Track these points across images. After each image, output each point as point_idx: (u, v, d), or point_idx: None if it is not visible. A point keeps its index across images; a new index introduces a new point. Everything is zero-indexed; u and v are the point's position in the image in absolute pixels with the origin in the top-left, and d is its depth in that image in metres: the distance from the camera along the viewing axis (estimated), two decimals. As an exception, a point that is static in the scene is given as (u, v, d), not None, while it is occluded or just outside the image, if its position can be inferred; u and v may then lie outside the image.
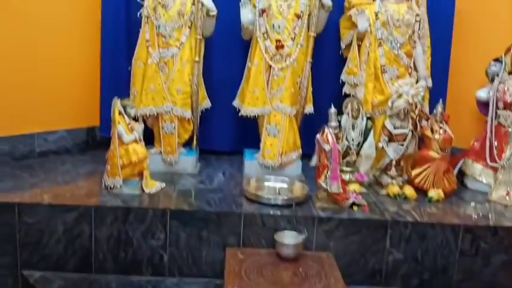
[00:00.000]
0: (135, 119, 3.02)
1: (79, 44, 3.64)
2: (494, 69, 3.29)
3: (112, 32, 3.66)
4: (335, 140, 2.83)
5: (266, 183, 3.15)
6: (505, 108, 3.20)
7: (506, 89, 3.18)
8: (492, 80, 3.29)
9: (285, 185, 3.14)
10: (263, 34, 3.31)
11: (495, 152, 3.23)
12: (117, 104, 2.86)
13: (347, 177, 3.17)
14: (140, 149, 2.91)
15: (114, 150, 2.86)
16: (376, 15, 3.34)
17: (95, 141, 3.82)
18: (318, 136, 2.88)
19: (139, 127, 2.96)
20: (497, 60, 3.30)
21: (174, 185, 3.11)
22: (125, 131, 2.86)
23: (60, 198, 2.80)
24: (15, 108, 3.36)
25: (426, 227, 2.74)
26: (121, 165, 2.86)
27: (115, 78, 3.63)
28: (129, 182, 2.92)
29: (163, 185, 3.05)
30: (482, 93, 3.33)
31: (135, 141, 2.90)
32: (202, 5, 3.22)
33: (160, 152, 3.38)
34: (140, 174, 2.95)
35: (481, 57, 3.47)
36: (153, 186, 2.98)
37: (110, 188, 2.90)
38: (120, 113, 2.87)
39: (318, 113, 3.44)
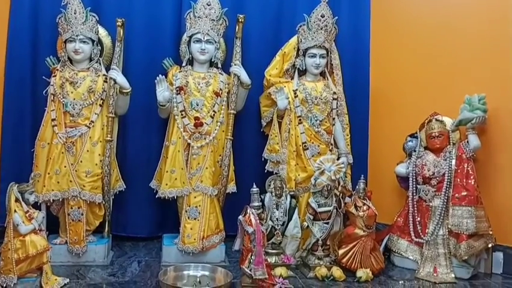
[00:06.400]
0: (37, 206, 2.69)
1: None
2: (411, 145, 3.35)
3: (15, 111, 3.40)
4: (258, 221, 2.68)
5: (186, 272, 2.87)
6: (424, 182, 3.22)
7: (424, 163, 3.22)
8: (410, 155, 3.34)
9: (207, 273, 2.87)
10: (181, 112, 3.19)
11: (418, 227, 3.21)
12: (13, 189, 2.55)
13: (272, 259, 3.00)
14: (39, 240, 2.57)
15: (8, 243, 2.50)
16: (295, 93, 3.36)
17: (-10, 232, 3.38)
18: (240, 218, 2.73)
19: (40, 215, 2.63)
20: (412, 135, 3.37)
21: (81, 280, 2.77)
22: (22, 220, 2.52)
23: None
24: None
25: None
26: (16, 260, 2.50)
27: (17, 161, 3.34)
28: (25, 279, 2.54)
29: (67, 280, 2.71)
30: (401, 169, 3.36)
31: (34, 231, 2.56)
32: (115, 82, 3.07)
33: (66, 242, 3.04)
34: (40, 270, 2.60)
35: (397, 132, 3.56)
36: (54, 283, 2.63)
37: (2, 288, 2.50)
38: (17, 199, 2.55)
39: (241, 192, 3.32)
